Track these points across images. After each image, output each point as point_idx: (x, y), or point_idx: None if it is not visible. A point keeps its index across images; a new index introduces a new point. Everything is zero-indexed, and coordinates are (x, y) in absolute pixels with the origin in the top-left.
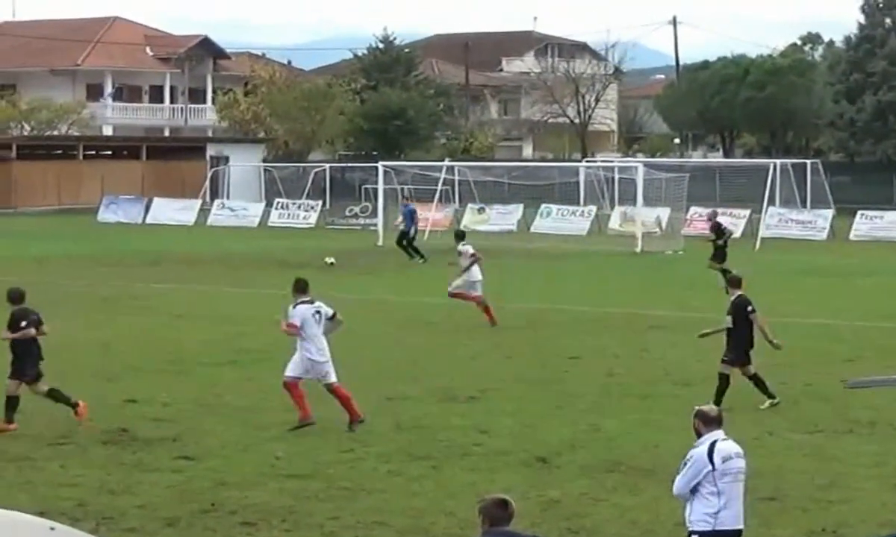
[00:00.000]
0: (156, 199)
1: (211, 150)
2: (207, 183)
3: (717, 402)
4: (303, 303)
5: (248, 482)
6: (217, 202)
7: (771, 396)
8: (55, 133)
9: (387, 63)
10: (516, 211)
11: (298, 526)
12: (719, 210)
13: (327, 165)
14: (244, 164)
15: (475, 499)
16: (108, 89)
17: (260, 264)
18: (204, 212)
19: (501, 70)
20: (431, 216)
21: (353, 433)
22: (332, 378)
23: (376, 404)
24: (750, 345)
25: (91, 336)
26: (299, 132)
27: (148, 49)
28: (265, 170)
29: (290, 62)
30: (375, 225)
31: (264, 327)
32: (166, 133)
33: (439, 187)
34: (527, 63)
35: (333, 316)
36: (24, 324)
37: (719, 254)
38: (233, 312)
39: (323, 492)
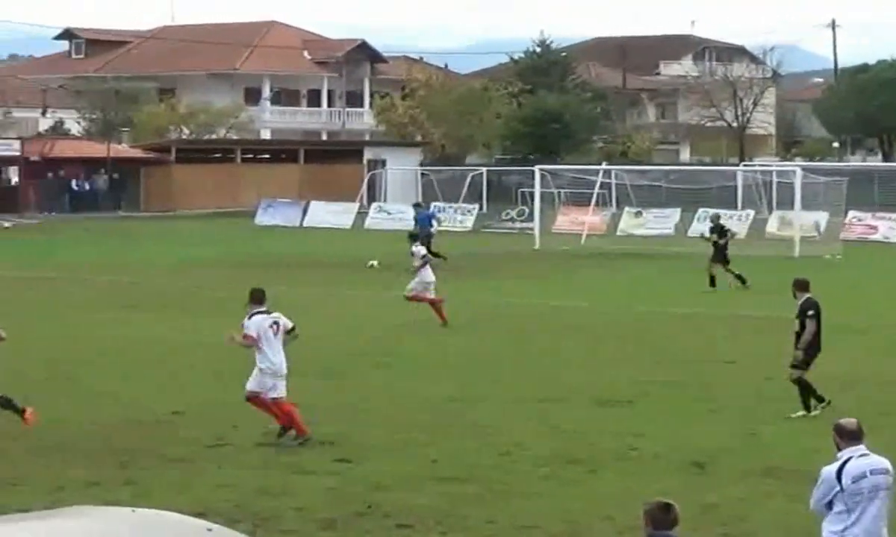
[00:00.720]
0: (313, 203)
1: (368, 154)
2: (364, 186)
3: (820, 399)
4: (258, 313)
5: (404, 484)
6: (374, 205)
7: (806, 408)
8: (213, 136)
9: (543, 67)
10: (673, 215)
11: (453, 529)
12: (879, 214)
13: (484, 169)
14: (401, 168)
15: (631, 504)
16: (266, 93)
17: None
18: (361, 215)
19: (659, 73)
20: (588, 220)
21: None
22: (278, 393)
23: (531, 408)
24: (817, 349)
25: None
26: (456, 135)
27: (306, 53)
28: (422, 173)
29: (446, 66)
30: (532, 228)
31: (417, 331)
32: (324, 137)
33: (596, 191)
34: (684, 66)
35: (292, 329)
36: None
37: (721, 255)
38: (387, 315)
39: (478, 496)
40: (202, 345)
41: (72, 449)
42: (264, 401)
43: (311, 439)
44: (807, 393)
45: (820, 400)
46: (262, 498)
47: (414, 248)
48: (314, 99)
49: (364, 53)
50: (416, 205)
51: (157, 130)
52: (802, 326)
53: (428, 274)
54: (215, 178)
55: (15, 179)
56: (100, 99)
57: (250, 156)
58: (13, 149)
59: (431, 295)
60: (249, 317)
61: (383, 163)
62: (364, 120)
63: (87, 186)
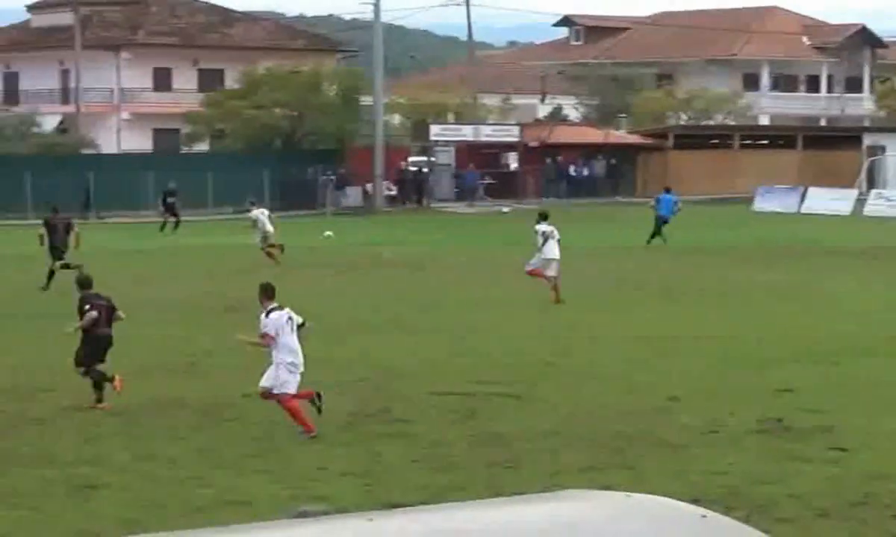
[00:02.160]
0: (811, 189)
1: (867, 140)
2: (864, 172)
3: None
4: (274, 310)
5: None
6: (873, 192)
7: None
8: (710, 122)
9: None
10: None
11: None
12: None
13: None
14: None
15: None
16: (765, 79)
17: None
18: (860, 201)
19: None
20: None
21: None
22: (286, 389)
23: None
24: None
25: (744, 325)
26: None
27: (805, 38)
28: None
29: None
30: None
31: None
32: (822, 122)
33: None
34: None
35: (303, 324)
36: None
37: None
38: (877, 302)
39: None
40: (701, 333)
41: (571, 433)
42: (292, 402)
43: (315, 435)
44: None
45: None
46: (757, 485)
47: (538, 226)
48: (812, 84)
49: (864, 38)
50: (667, 190)
51: (655, 116)
52: None
53: (550, 251)
54: (712, 165)
55: (514, 165)
56: (598, 85)
57: (748, 141)
58: (513, 135)
59: (552, 272)
60: (266, 315)
61: (883, 148)
62: (864, 105)
63: (585, 172)
